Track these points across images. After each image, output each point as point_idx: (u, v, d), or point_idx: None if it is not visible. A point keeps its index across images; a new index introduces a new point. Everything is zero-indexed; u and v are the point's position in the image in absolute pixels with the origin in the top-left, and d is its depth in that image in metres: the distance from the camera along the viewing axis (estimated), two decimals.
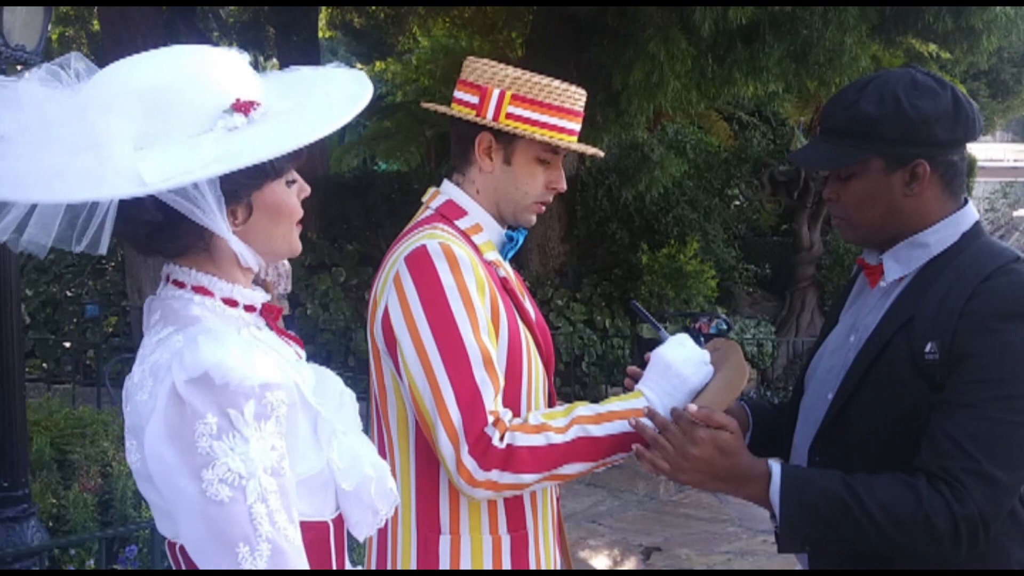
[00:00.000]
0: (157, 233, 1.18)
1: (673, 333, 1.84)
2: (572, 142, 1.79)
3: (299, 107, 1.23)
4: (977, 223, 1.67)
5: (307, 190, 1.31)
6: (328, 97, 1.26)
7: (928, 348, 1.54)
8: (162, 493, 1.16)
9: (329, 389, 1.30)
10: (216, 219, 1.15)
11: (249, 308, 1.29)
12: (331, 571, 1.30)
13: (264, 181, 1.22)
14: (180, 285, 1.24)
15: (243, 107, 1.17)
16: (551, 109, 1.75)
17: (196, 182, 1.11)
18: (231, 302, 1.26)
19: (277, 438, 1.14)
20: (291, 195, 1.28)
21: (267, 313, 1.32)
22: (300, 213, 1.31)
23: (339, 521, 1.32)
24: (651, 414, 1.65)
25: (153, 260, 1.29)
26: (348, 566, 1.37)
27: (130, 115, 1.12)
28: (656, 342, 1.81)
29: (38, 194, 1.08)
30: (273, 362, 1.18)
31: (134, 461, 1.20)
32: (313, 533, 1.25)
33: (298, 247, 1.32)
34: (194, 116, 1.15)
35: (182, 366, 1.10)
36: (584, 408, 1.70)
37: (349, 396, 1.36)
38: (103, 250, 1.11)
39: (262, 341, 1.23)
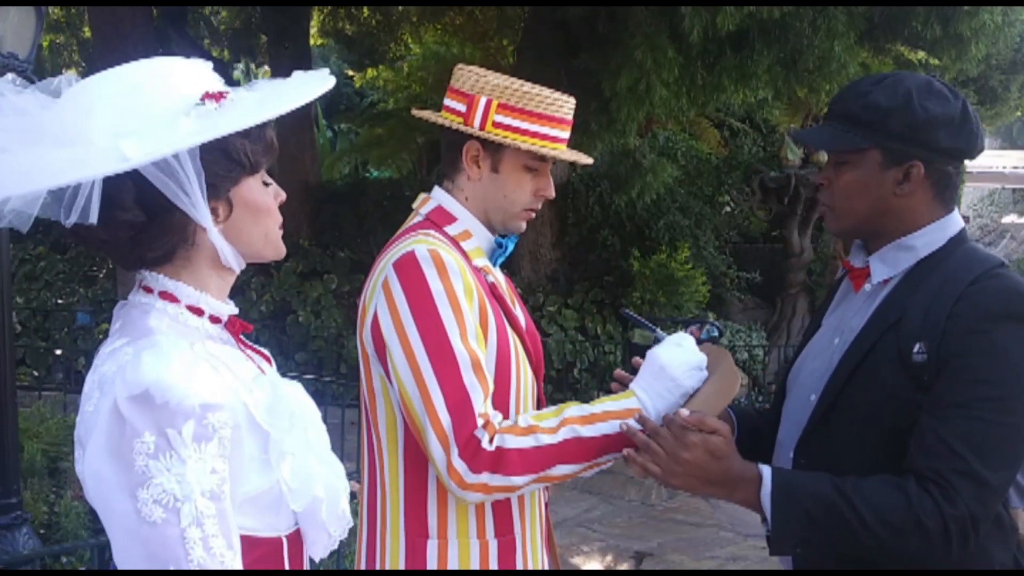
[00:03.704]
0: (140, 236, 1.19)
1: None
2: (560, 150, 1.79)
3: (267, 96, 1.27)
4: (963, 229, 1.70)
5: (282, 195, 1.33)
6: (293, 84, 1.30)
7: (916, 349, 1.56)
8: (98, 508, 1.15)
9: (282, 409, 1.27)
10: (199, 203, 1.17)
11: (215, 319, 1.29)
12: (314, 571, 1.30)
13: (240, 175, 1.24)
14: (148, 291, 1.25)
15: (214, 96, 1.21)
16: (538, 117, 1.75)
17: (178, 155, 1.13)
18: (196, 310, 1.26)
19: (219, 460, 1.12)
20: (268, 195, 1.30)
21: (232, 326, 1.32)
22: (279, 217, 1.33)
23: (295, 537, 1.30)
24: (641, 419, 1.65)
25: None
26: None
27: (107, 114, 1.15)
28: (647, 348, 1.79)
29: (17, 186, 1.08)
30: (222, 381, 1.17)
31: (80, 471, 1.18)
32: (264, 548, 1.24)
33: (282, 249, 1.34)
34: (168, 108, 1.17)
35: (124, 382, 1.10)
36: (574, 409, 1.70)
37: (310, 414, 1.34)
38: (94, 219, 1.11)
39: (216, 357, 1.21)
